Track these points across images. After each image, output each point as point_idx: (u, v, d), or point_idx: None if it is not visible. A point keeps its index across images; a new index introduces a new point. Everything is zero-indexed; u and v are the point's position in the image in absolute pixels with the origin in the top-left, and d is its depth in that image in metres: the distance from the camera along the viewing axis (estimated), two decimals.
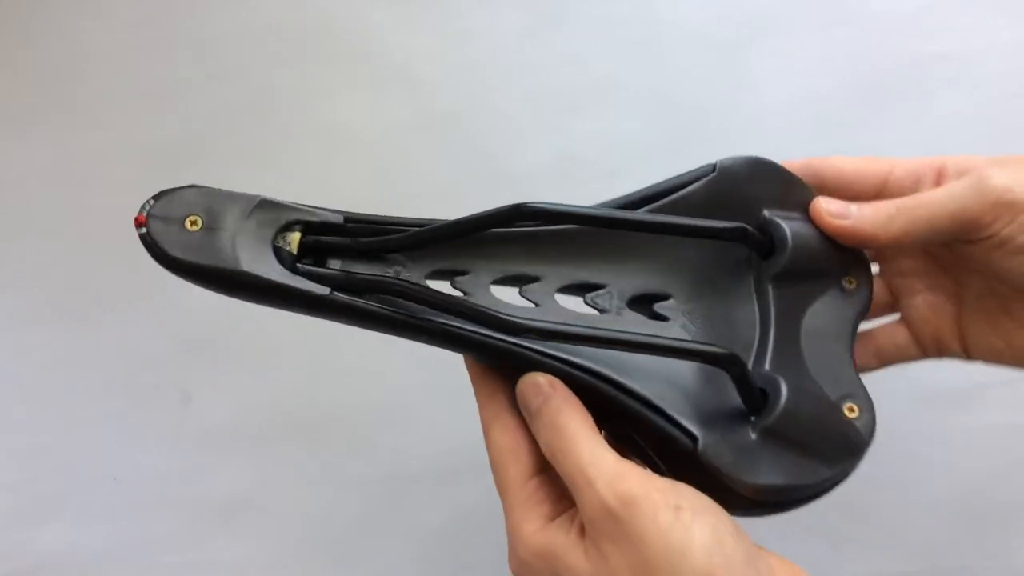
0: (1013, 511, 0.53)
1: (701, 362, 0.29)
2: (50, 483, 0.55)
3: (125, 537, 0.54)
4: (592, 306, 0.33)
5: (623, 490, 0.24)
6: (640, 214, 0.32)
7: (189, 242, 0.29)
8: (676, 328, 0.32)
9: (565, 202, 0.29)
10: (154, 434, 0.55)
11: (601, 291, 0.33)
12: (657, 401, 0.29)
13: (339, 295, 0.29)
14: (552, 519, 0.28)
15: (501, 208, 0.29)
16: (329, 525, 0.54)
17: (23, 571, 0.54)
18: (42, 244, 0.58)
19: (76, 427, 0.55)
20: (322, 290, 0.29)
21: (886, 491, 0.54)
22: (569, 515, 0.27)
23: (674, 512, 0.24)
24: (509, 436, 0.30)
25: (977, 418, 0.53)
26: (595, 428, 0.28)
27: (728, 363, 0.28)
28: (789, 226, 0.32)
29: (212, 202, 0.30)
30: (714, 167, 0.33)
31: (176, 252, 0.29)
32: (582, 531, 0.26)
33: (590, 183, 0.58)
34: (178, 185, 0.30)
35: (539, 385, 0.29)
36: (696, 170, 0.33)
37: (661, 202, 0.33)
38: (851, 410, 0.30)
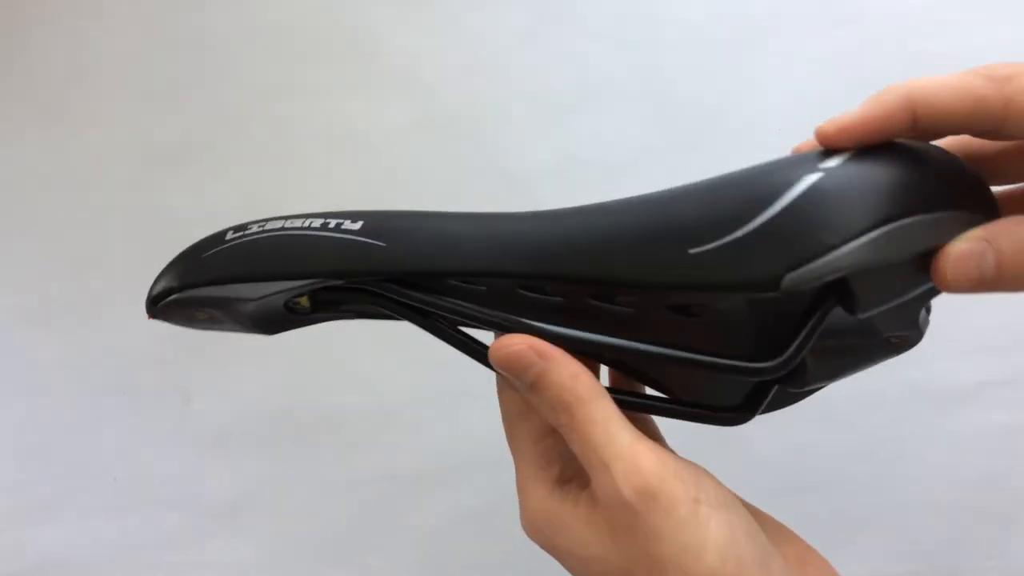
0: (1013, 511, 0.53)
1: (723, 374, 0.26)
2: (50, 483, 0.55)
3: (125, 537, 0.54)
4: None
5: (641, 483, 0.23)
6: None
7: (205, 323, 0.30)
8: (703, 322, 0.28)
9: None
10: (154, 434, 0.55)
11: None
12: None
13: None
14: (562, 483, 0.26)
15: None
16: (329, 525, 0.54)
17: (23, 571, 0.54)
18: (42, 244, 0.58)
19: (76, 427, 0.55)
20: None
21: (886, 491, 0.54)
22: (579, 483, 0.26)
23: (692, 506, 0.23)
24: (519, 396, 0.28)
25: (977, 418, 0.53)
26: (605, 395, 0.25)
27: (753, 374, 0.25)
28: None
29: (217, 297, 0.29)
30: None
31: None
32: (592, 503, 0.25)
33: (590, 183, 0.58)
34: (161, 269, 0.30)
35: (519, 354, 0.25)
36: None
37: None
38: None
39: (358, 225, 0.28)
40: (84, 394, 0.56)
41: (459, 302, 0.27)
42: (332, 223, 0.28)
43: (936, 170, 0.24)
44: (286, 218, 0.29)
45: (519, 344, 0.25)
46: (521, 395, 0.26)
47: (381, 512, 0.54)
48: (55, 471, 0.55)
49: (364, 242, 0.28)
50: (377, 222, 0.28)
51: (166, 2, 0.62)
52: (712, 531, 0.22)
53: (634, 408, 0.27)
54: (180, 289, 0.29)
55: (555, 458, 0.27)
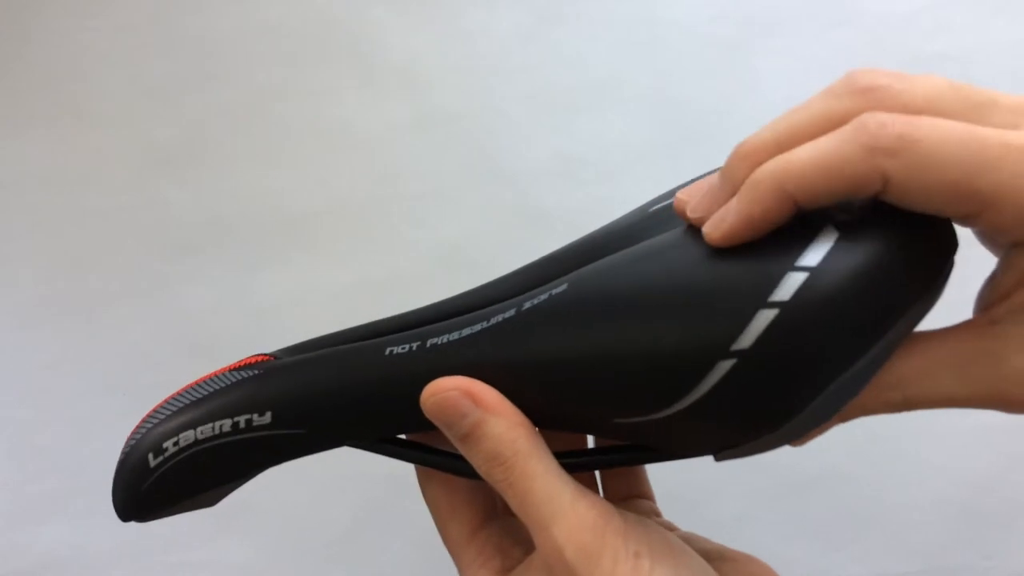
0: (1013, 511, 0.53)
1: None
2: (50, 483, 0.55)
3: (125, 537, 0.54)
4: None
5: (581, 542, 0.22)
6: None
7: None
8: None
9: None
10: None
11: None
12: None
13: None
14: (506, 572, 0.25)
15: None
16: (329, 525, 0.54)
17: (23, 571, 0.54)
18: (42, 244, 0.59)
19: (76, 427, 0.55)
20: None
21: (886, 491, 0.54)
22: (525, 565, 0.25)
23: (634, 560, 0.22)
24: (442, 490, 0.27)
25: (977, 418, 0.53)
26: (544, 447, 0.23)
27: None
28: None
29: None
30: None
31: None
32: (538, 571, 0.24)
33: (590, 183, 0.58)
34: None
35: (453, 402, 0.23)
36: None
37: None
38: None
39: (268, 418, 0.27)
40: (84, 394, 0.56)
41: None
42: (242, 422, 0.27)
43: (902, 264, 0.20)
44: (194, 425, 0.27)
45: (452, 389, 0.23)
46: (453, 443, 0.24)
47: (381, 512, 0.54)
48: (55, 471, 0.55)
49: (283, 435, 0.27)
50: (285, 408, 0.27)
51: (166, 2, 0.62)
52: None
53: (580, 469, 0.26)
54: (142, 520, 0.29)
55: (493, 551, 0.26)
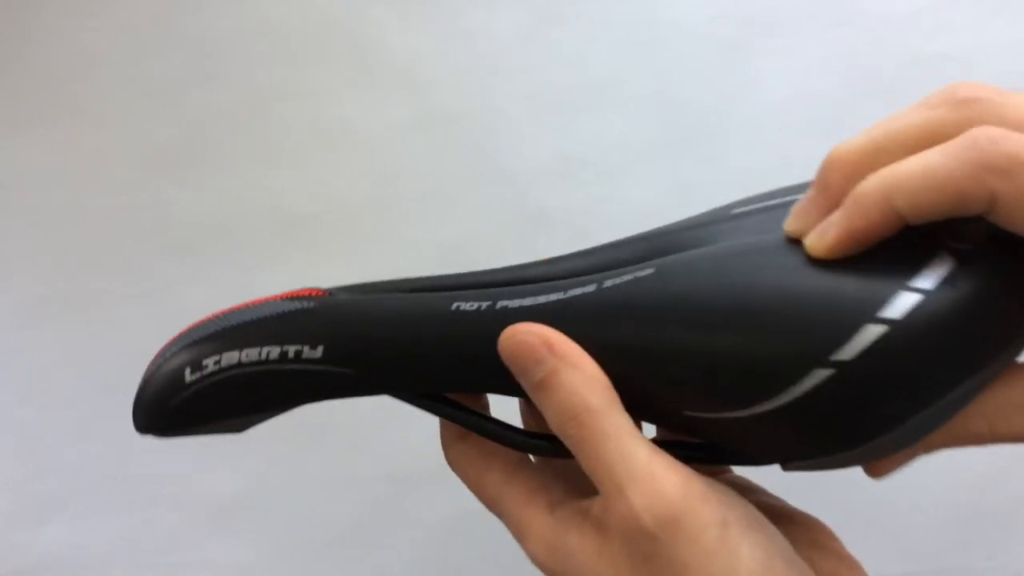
0: (1014, 512, 0.53)
1: None
2: (50, 483, 0.55)
3: (125, 537, 0.54)
4: None
5: (662, 508, 0.20)
6: None
7: None
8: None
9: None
10: None
11: None
12: None
13: None
14: (553, 508, 0.24)
15: None
16: (329, 525, 0.54)
17: (23, 571, 0.54)
18: (42, 244, 0.58)
19: (76, 427, 0.55)
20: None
21: (886, 492, 0.54)
22: (576, 511, 0.23)
23: (720, 530, 0.20)
24: (474, 447, 0.26)
25: None
26: (619, 404, 0.22)
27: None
28: None
29: None
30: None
31: None
32: (601, 529, 0.22)
33: (590, 183, 0.58)
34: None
35: (530, 346, 0.22)
36: None
37: None
38: None
39: (319, 352, 0.26)
40: (84, 394, 0.56)
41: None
42: (291, 352, 0.26)
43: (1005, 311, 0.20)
44: (240, 346, 0.26)
45: (531, 335, 0.22)
46: (526, 391, 0.23)
47: (381, 512, 0.54)
48: (55, 471, 0.55)
49: (330, 372, 0.26)
50: (338, 346, 0.26)
51: (166, 2, 0.62)
52: (744, 558, 0.20)
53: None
54: (162, 435, 0.27)
55: (536, 486, 0.25)
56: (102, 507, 0.54)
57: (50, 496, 0.55)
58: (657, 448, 0.22)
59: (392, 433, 0.55)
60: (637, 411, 0.23)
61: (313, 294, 0.27)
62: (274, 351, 0.26)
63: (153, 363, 0.27)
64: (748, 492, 0.26)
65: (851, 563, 0.24)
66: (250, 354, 0.26)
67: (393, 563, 0.54)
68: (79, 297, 0.57)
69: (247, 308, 0.27)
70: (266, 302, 0.27)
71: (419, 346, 0.25)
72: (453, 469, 0.27)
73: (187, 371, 0.26)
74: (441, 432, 0.28)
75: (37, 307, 0.58)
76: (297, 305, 0.26)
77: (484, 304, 0.25)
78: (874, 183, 0.19)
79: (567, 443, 0.23)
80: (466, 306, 0.25)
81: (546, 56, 0.60)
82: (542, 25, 0.60)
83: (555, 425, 0.23)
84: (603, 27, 0.60)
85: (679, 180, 0.57)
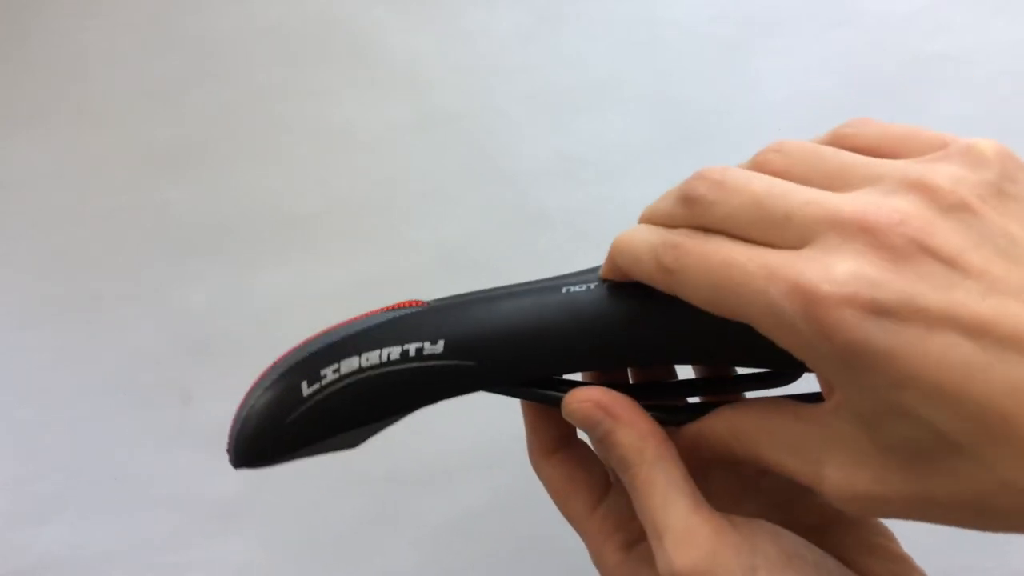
0: None
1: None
2: (50, 483, 0.55)
3: (125, 537, 0.54)
4: None
5: (691, 560, 0.22)
6: None
7: None
8: None
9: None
10: (154, 434, 0.55)
11: None
12: None
13: None
14: (631, 546, 0.26)
15: None
16: (329, 525, 0.54)
17: (23, 571, 0.54)
18: (42, 244, 0.58)
19: (76, 427, 0.55)
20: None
21: None
22: (646, 551, 0.25)
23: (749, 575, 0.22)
24: (560, 469, 0.28)
25: None
26: (670, 456, 0.24)
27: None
28: None
29: None
30: None
31: None
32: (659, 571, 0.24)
33: (590, 183, 0.58)
34: None
35: (588, 412, 0.25)
36: None
37: None
38: None
39: (440, 347, 0.26)
40: (84, 394, 0.56)
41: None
42: (412, 350, 0.26)
43: None
44: (359, 351, 0.26)
45: (586, 403, 0.25)
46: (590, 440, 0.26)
47: (381, 512, 0.54)
48: (55, 471, 0.55)
49: (454, 366, 0.26)
50: (458, 338, 0.26)
51: (166, 2, 0.62)
52: None
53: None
54: (269, 460, 0.27)
55: (613, 527, 0.27)
56: (102, 507, 0.54)
57: (50, 496, 0.55)
58: (700, 499, 0.24)
59: (392, 433, 0.55)
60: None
61: (413, 304, 0.27)
62: (395, 351, 0.26)
63: (256, 386, 0.26)
64: (798, 502, 0.27)
65: (908, 564, 0.25)
66: (370, 358, 0.26)
67: (393, 563, 0.54)
68: (79, 297, 0.57)
69: (351, 323, 0.27)
70: (369, 316, 0.27)
71: (538, 328, 0.26)
72: (546, 487, 0.29)
73: (303, 384, 0.26)
74: (528, 449, 0.29)
75: (37, 307, 0.58)
76: (405, 311, 0.27)
77: (592, 284, 0.26)
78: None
79: (627, 489, 0.25)
80: (575, 288, 0.26)
81: (546, 56, 0.60)
82: (542, 25, 0.60)
83: (617, 472, 0.25)
84: (603, 27, 0.60)
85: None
